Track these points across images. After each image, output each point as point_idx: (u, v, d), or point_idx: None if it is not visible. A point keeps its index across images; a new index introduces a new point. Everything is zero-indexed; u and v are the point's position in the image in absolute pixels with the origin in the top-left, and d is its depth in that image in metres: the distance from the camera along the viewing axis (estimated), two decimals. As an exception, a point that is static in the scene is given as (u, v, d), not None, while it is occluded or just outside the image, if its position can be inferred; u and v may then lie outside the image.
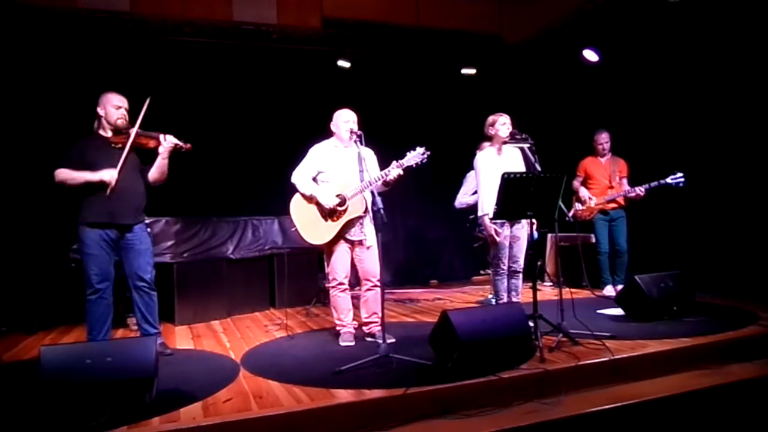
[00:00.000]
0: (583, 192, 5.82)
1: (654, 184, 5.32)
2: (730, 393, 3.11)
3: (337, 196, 3.91)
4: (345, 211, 3.90)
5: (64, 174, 3.63)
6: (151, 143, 3.78)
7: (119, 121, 3.74)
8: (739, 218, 5.27)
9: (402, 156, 3.79)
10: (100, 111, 3.76)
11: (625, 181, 5.69)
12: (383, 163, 3.96)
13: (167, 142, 3.76)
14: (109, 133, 3.76)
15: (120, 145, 3.69)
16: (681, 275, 4.39)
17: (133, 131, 3.68)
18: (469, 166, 5.53)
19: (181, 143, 3.81)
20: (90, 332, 3.65)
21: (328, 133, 4.14)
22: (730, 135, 5.35)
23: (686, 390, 3.05)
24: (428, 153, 3.77)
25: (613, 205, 5.70)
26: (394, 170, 3.76)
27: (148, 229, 3.93)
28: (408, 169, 3.81)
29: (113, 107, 3.73)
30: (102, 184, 3.59)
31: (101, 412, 2.56)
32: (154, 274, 3.88)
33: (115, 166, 3.60)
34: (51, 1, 5.42)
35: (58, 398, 2.62)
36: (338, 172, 3.99)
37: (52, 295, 5.41)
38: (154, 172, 3.83)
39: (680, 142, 5.78)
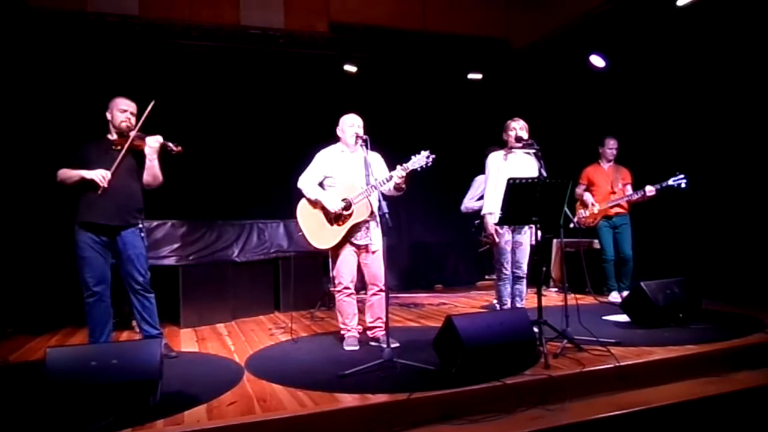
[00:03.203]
0: (587, 197, 5.83)
1: (657, 186, 5.31)
2: (736, 401, 3.09)
3: (343, 200, 3.92)
4: (350, 215, 3.90)
5: (62, 173, 3.70)
6: (143, 145, 3.78)
7: (122, 124, 3.78)
8: (746, 225, 5.25)
9: (407, 160, 3.80)
10: (108, 115, 3.82)
11: (629, 187, 5.68)
12: (391, 168, 3.97)
13: (152, 141, 3.75)
14: (115, 136, 3.81)
15: (119, 148, 3.74)
16: (687, 282, 4.37)
17: (132, 134, 3.74)
18: (475, 171, 5.54)
19: (170, 144, 3.82)
20: (91, 335, 3.66)
21: (334, 138, 4.15)
22: (737, 141, 5.33)
23: (692, 397, 3.03)
24: (433, 156, 3.77)
25: (617, 210, 5.69)
26: (397, 173, 3.76)
27: (142, 233, 3.86)
28: (414, 174, 3.81)
29: (119, 111, 3.79)
30: (94, 185, 3.61)
31: (106, 413, 2.57)
32: (149, 276, 3.86)
33: (110, 168, 3.64)
34: (60, 4, 5.46)
35: (64, 399, 2.63)
36: (345, 176, 4.00)
37: (58, 297, 5.43)
38: (145, 175, 3.81)
39: (687, 148, 5.76)
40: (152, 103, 3.75)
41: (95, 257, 3.66)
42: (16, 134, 5.58)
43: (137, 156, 3.81)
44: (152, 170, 3.79)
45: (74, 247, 3.69)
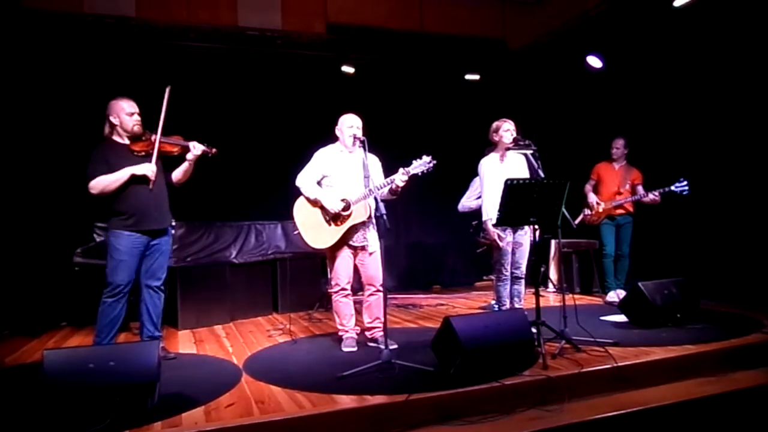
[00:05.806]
0: (592, 197, 5.85)
1: (660, 191, 5.30)
2: (734, 401, 3.09)
3: (342, 200, 3.92)
4: (349, 216, 3.90)
5: (101, 183, 3.59)
6: (176, 151, 3.83)
7: (135, 128, 3.75)
8: (744, 225, 5.25)
9: (407, 163, 3.81)
10: (114, 120, 3.74)
11: (639, 188, 5.66)
12: (387, 169, 3.97)
13: (196, 149, 3.83)
14: (126, 141, 3.76)
15: (143, 153, 3.73)
16: (685, 282, 4.38)
17: (156, 139, 3.73)
18: (473, 172, 5.51)
19: (207, 149, 3.90)
20: (99, 334, 3.64)
21: (333, 138, 4.15)
22: (735, 141, 5.33)
23: (690, 397, 3.04)
24: (434, 162, 3.79)
25: (621, 211, 5.69)
26: (399, 177, 3.77)
27: (173, 231, 4.02)
28: (412, 176, 3.82)
29: (127, 115, 3.74)
30: (137, 188, 3.64)
31: (103, 416, 2.57)
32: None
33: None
34: (57, 6, 5.44)
35: (61, 402, 2.62)
36: (343, 177, 3.99)
37: (55, 299, 5.42)
38: (179, 174, 3.91)
39: (685, 148, 5.77)
40: (168, 90, 3.75)
41: (133, 261, 3.68)
42: (11, 136, 5.55)
43: (164, 158, 3.87)
44: (189, 171, 3.90)
45: (110, 249, 3.66)
